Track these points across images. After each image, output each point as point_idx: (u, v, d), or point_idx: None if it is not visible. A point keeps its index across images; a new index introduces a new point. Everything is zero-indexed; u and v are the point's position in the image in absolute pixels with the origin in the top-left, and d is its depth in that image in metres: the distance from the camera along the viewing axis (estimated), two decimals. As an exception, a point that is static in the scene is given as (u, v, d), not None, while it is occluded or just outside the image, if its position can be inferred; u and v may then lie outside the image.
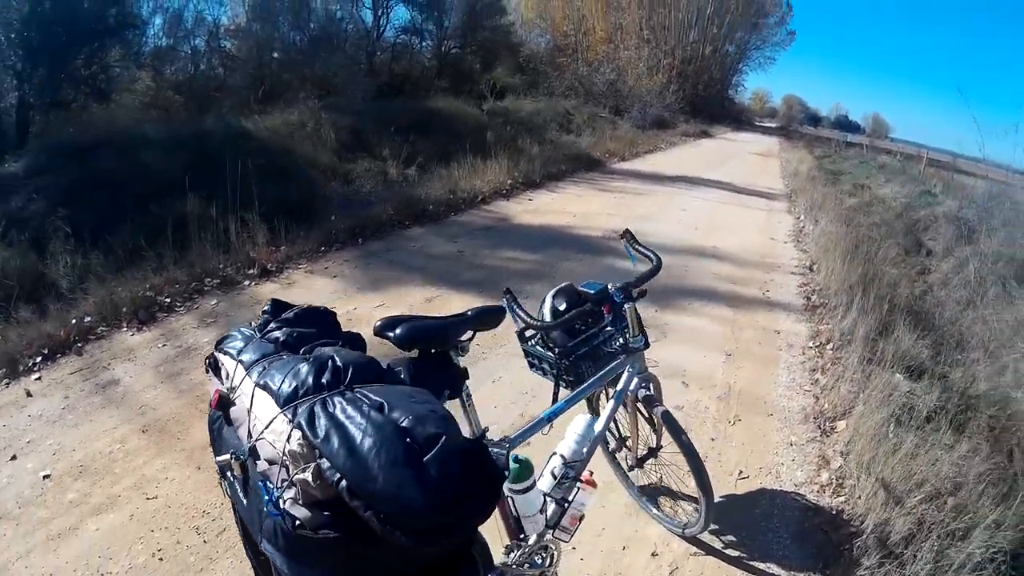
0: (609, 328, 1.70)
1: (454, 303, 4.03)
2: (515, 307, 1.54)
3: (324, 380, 0.97)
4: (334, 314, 1.27)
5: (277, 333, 1.15)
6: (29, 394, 2.98)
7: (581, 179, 9.72)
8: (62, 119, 9.78)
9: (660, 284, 4.54)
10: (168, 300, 3.94)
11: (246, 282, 4.33)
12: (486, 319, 1.43)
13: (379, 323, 1.28)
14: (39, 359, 3.31)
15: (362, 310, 3.89)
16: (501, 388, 3.05)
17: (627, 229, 1.84)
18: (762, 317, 4.35)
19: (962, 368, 3.43)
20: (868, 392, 2.91)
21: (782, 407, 3.14)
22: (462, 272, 4.71)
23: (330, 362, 1.00)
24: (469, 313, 1.40)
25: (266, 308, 1.24)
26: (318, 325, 1.21)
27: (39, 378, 3.11)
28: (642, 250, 1.73)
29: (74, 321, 3.63)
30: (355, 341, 1.24)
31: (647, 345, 1.68)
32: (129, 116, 10.26)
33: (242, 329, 1.20)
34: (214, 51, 15.30)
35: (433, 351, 1.32)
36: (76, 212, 4.98)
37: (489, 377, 3.14)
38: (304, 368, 0.98)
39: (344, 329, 1.27)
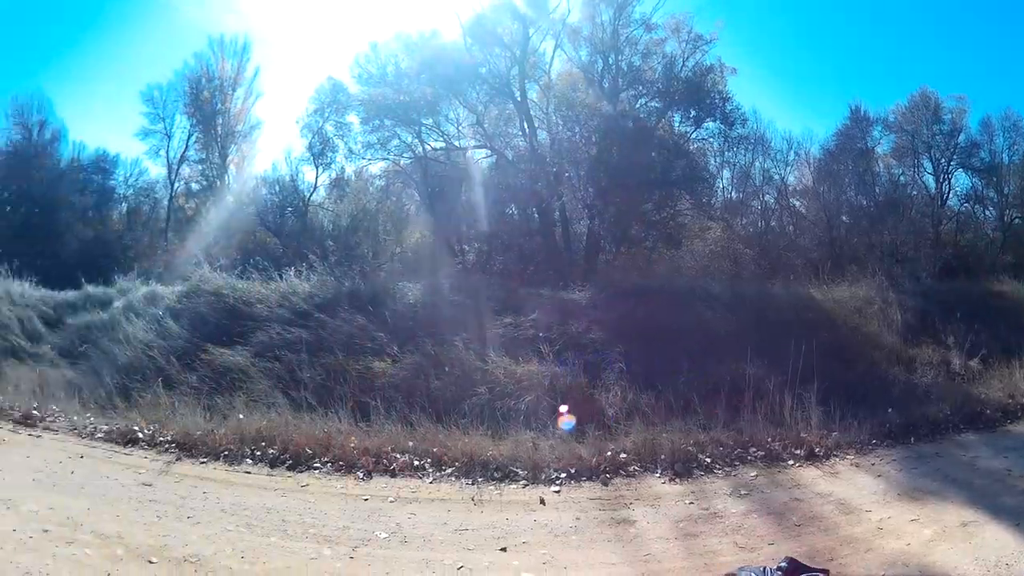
0: None
1: (987, 532, 3.41)
2: None
3: None
4: None
5: None
6: (543, 501, 3.38)
7: None
8: (628, 256, 11.54)
9: None
10: (708, 460, 4.12)
11: (790, 461, 4.26)
12: None
13: None
14: (563, 475, 3.73)
15: (895, 522, 3.53)
16: None
17: None
18: None
19: None
20: None
21: None
22: (1003, 495, 4.04)
23: None
24: None
25: (782, 564, 1.36)
26: None
27: (558, 491, 3.53)
28: None
29: (609, 453, 4.00)
30: None
31: None
32: (697, 264, 11.59)
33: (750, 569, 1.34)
34: (784, 209, 16.13)
35: None
36: (629, 349, 5.78)
37: None
38: None
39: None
